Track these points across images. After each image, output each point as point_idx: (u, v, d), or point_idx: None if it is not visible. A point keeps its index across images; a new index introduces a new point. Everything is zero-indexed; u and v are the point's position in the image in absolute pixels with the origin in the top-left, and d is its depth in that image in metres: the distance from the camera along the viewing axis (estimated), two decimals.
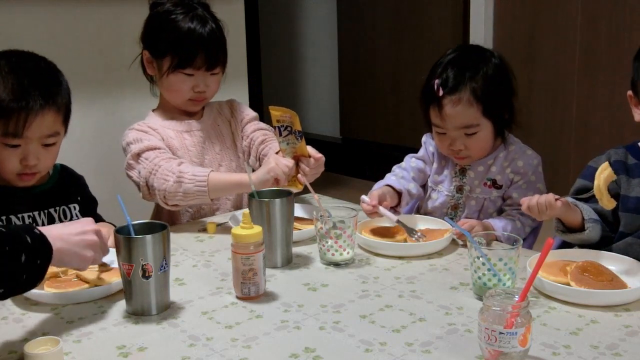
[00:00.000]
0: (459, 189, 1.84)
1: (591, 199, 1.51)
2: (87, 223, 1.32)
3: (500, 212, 1.81)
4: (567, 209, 1.51)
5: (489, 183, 1.81)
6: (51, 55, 1.67)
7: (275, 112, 1.70)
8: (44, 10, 2.49)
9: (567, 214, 1.52)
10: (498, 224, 1.70)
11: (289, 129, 1.69)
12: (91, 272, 1.41)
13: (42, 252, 1.18)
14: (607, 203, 1.41)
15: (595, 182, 1.40)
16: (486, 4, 4.14)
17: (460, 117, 1.71)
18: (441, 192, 1.87)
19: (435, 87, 1.72)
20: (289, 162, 1.68)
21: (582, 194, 1.53)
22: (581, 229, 1.53)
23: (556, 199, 1.46)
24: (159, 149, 1.82)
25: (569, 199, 1.56)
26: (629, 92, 1.58)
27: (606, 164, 1.41)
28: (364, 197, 1.71)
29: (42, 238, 1.19)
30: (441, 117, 1.73)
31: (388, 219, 1.68)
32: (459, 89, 1.70)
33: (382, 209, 1.68)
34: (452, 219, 1.83)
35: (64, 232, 1.26)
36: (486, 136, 1.76)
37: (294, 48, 5.71)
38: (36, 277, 1.17)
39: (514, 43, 4.05)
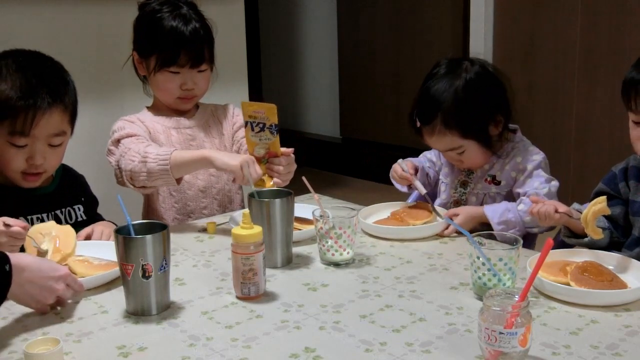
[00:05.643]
0: (463, 184, 1.89)
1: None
2: (60, 269, 1.29)
3: None
4: (569, 219, 1.55)
5: (489, 179, 1.86)
6: (51, 55, 1.67)
7: (248, 107, 1.67)
8: (44, 10, 2.49)
9: (569, 222, 1.57)
10: (491, 208, 1.76)
11: (260, 125, 1.67)
12: (80, 265, 1.43)
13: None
14: (592, 233, 1.44)
15: (585, 210, 1.43)
16: (486, 4, 4.13)
17: (439, 144, 1.83)
18: (447, 185, 1.93)
19: (415, 118, 1.84)
20: (259, 171, 1.65)
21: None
22: (584, 235, 1.55)
23: (556, 211, 1.51)
24: (137, 136, 1.82)
25: (575, 206, 1.59)
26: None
27: (602, 198, 1.43)
28: (400, 160, 1.88)
29: (4, 274, 1.17)
30: (427, 142, 1.86)
31: (418, 190, 1.84)
32: (431, 122, 1.79)
33: (417, 182, 1.84)
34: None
35: (36, 275, 1.23)
36: (476, 151, 1.82)
37: (294, 48, 5.71)
38: None
39: (514, 43, 4.04)
